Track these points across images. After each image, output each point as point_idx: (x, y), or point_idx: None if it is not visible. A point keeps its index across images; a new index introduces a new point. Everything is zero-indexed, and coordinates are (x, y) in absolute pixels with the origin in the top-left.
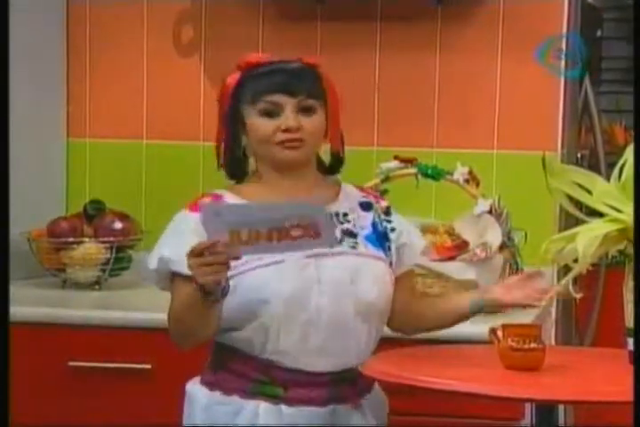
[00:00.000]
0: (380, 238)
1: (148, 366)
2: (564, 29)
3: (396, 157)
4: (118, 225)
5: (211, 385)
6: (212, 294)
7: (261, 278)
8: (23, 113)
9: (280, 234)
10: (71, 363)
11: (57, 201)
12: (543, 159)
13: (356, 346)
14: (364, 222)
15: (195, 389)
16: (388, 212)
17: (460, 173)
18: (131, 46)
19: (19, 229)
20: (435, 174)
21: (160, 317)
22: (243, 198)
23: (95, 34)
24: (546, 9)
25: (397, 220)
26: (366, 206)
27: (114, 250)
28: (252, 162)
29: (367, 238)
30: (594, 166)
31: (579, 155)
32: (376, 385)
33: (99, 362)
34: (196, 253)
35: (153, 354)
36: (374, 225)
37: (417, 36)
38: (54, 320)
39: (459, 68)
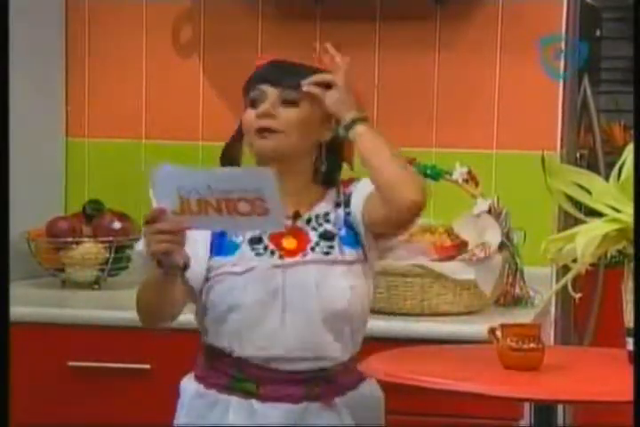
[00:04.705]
0: (355, 234)
1: (148, 367)
2: (563, 29)
3: None
4: (117, 225)
5: (198, 378)
6: (168, 266)
7: (229, 286)
8: (22, 113)
9: (228, 207)
10: (70, 363)
11: (56, 201)
12: (542, 159)
13: (330, 351)
14: (340, 222)
15: (186, 381)
16: (348, 200)
17: (459, 172)
18: (130, 46)
19: (18, 229)
20: (434, 174)
21: None
22: None
23: (94, 33)
24: (545, 9)
25: (352, 203)
26: (338, 204)
27: (113, 250)
28: None
29: (344, 240)
30: (593, 166)
31: (578, 154)
32: (368, 383)
33: (98, 362)
34: (148, 219)
35: (152, 354)
36: (346, 222)
37: (416, 36)
38: (53, 320)
39: (458, 68)
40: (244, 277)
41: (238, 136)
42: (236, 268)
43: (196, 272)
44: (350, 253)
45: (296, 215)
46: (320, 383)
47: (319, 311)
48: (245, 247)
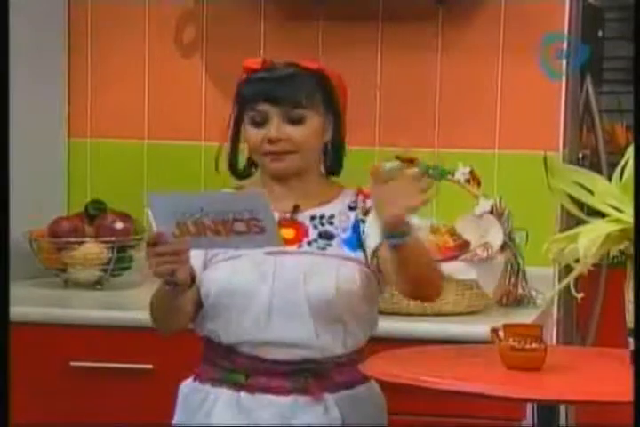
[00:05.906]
0: (360, 241)
1: (149, 366)
2: (566, 30)
3: (397, 157)
4: (119, 225)
5: (195, 376)
6: (172, 283)
7: (221, 272)
8: (24, 113)
9: (225, 227)
10: (72, 363)
11: (58, 201)
12: (544, 159)
13: (315, 341)
14: (347, 224)
15: (184, 382)
16: (367, 212)
17: (462, 173)
18: (132, 46)
19: (20, 229)
20: (436, 174)
21: None
22: None
23: (96, 34)
24: (547, 9)
25: (369, 221)
26: (352, 207)
27: (115, 250)
28: None
29: (346, 242)
30: (595, 166)
31: (580, 155)
32: (368, 387)
33: (99, 362)
34: (149, 242)
35: (154, 354)
36: (355, 227)
37: (418, 37)
38: (55, 320)
39: (460, 69)
40: (235, 262)
41: (237, 148)
42: (229, 254)
43: (195, 266)
44: (349, 253)
45: (295, 209)
46: (309, 376)
47: (305, 301)
48: None
